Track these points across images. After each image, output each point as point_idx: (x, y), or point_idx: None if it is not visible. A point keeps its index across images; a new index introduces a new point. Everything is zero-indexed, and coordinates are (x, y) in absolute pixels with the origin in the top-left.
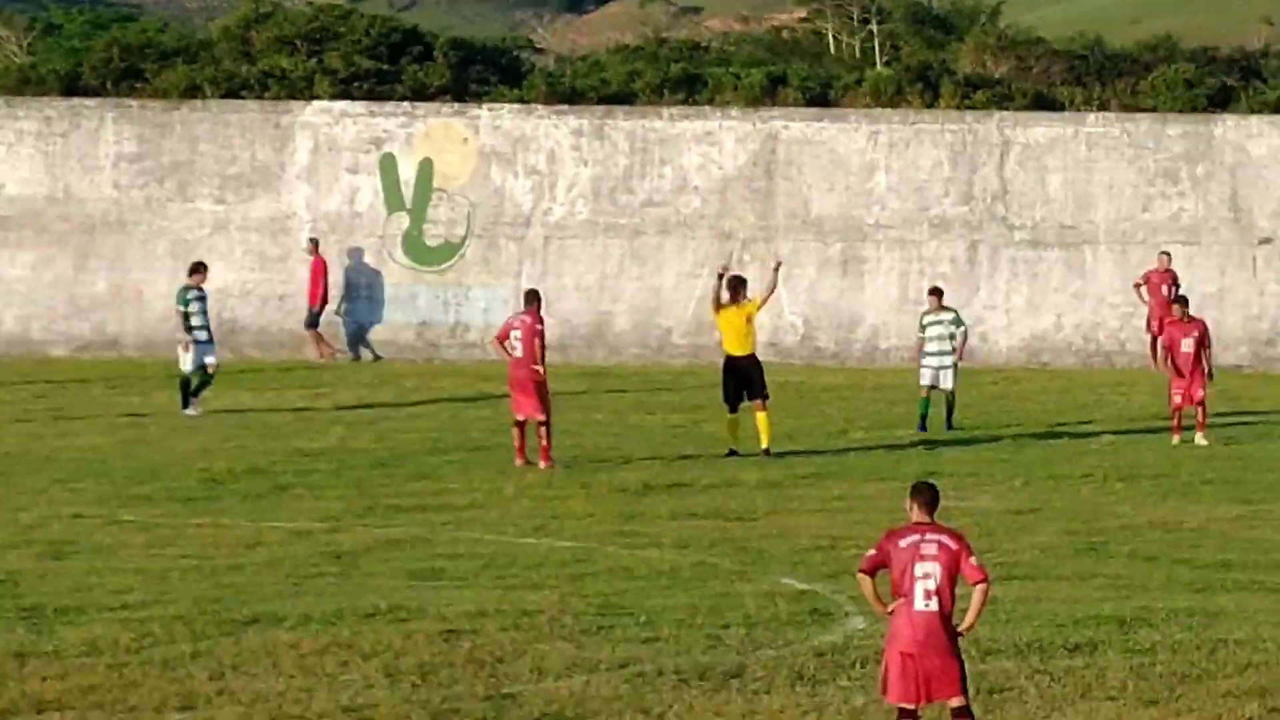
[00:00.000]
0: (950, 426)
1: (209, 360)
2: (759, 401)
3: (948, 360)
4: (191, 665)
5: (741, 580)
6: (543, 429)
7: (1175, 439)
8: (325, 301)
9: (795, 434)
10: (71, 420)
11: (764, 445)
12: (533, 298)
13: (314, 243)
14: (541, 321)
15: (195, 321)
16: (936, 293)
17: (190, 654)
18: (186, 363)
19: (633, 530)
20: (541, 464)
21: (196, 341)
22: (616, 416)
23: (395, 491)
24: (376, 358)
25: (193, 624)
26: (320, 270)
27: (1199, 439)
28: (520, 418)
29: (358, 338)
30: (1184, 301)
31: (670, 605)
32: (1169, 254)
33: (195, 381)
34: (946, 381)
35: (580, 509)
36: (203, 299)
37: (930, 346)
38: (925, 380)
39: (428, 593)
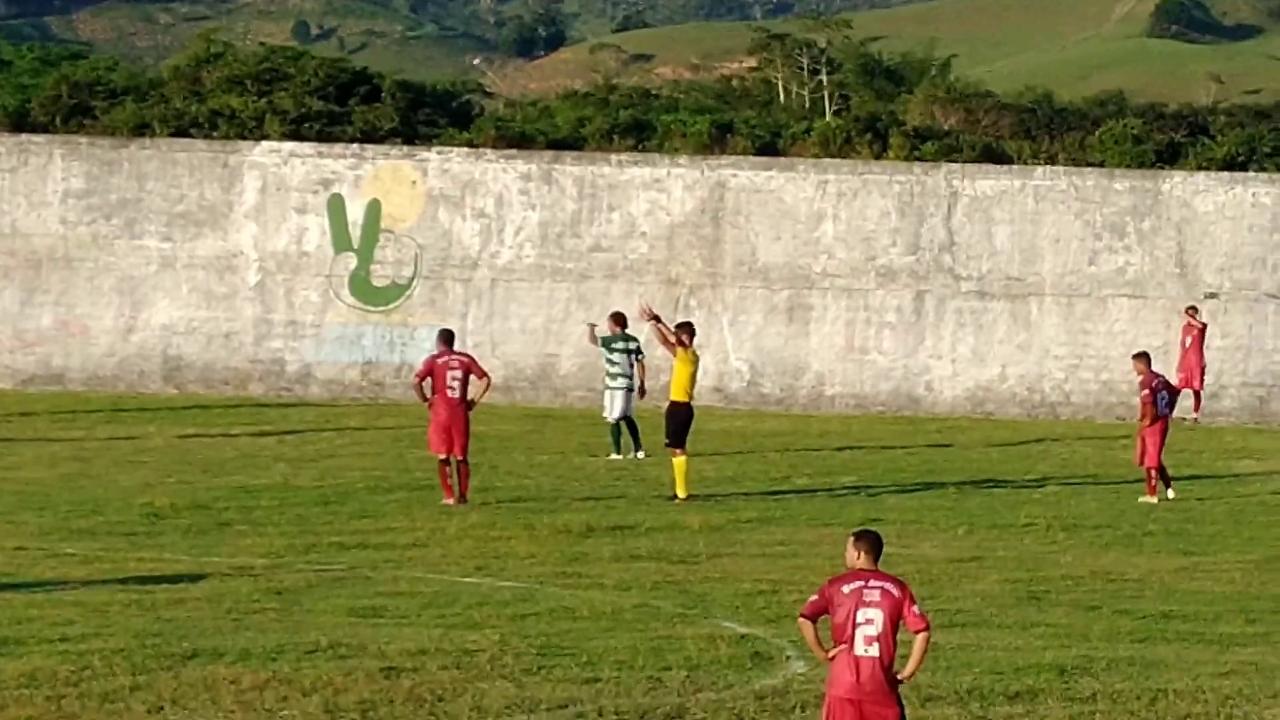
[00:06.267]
0: None
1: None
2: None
3: None
4: (130, 699)
5: (683, 623)
6: (464, 466)
7: (1155, 496)
8: None
9: (739, 479)
10: (15, 454)
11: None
12: (453, 337)
13: None
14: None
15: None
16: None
17: (129, 687)
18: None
19: (575, 571)
20: (458, 501)
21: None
22: (560, 458)
23: (338, 529)
24: None
25: (132, 657)
26: None
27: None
28: (445, 455)
29: None
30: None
31: (611, 646)
32: (1195, 308)
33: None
34: None
35: (523, 549)
36: None
37: None
38: None
39: (368, 630)
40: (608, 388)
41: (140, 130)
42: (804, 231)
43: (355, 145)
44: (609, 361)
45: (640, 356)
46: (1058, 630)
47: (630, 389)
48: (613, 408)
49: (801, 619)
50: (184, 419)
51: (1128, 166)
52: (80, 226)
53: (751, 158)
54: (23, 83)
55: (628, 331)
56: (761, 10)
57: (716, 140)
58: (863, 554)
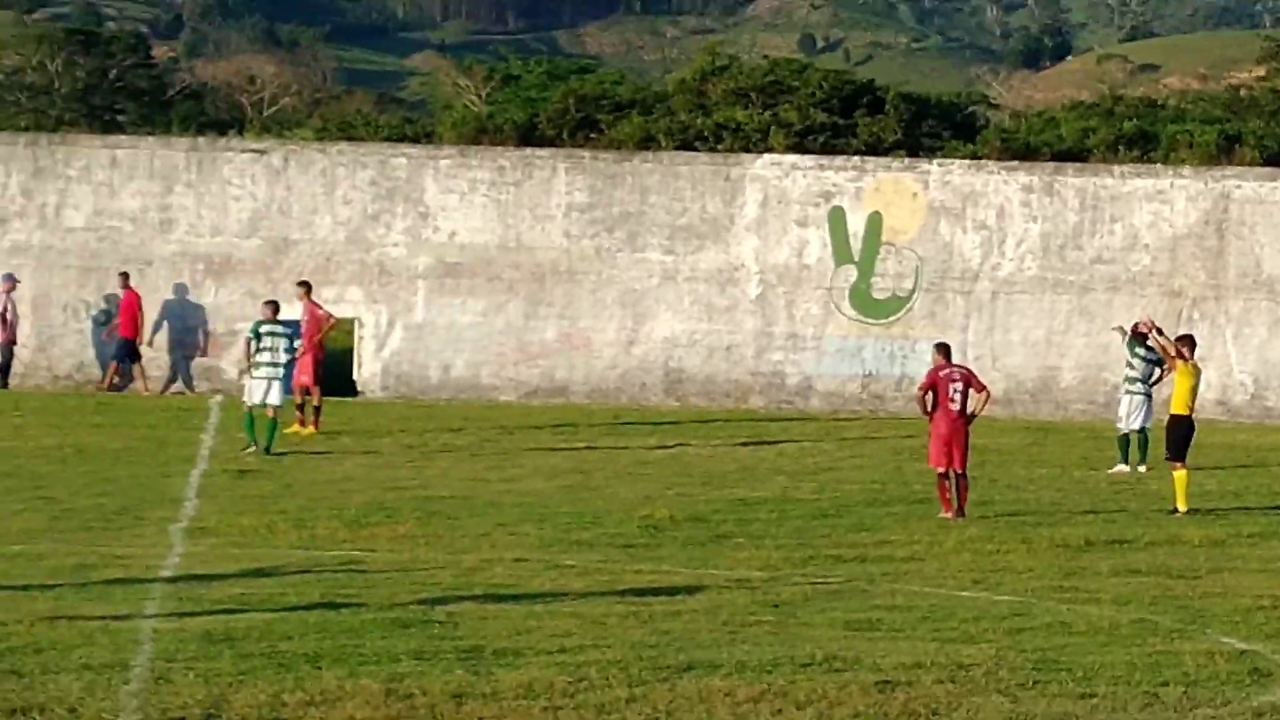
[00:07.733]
0: None
1: None
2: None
3: None
4: (626, 710)
5: (1181, 638)
6: (963, 480)
7: None
8: (138, 335)
9: (1241, 493)
10: (518, 465)
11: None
12: (950, 350)
13: (124, 276)
14: None
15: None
16: None
17: (625, 699)
18: None
19: (1072, 586)
20: (956, 515)
21: None
22: (1060, 472)
23: (835, 542)
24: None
25: (629, 669)
26: (133, 304)
27: None
28: (944, 468)
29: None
30: None
31: (1108, 662)
32: None
33: None
34: None
35: (1020, 563)
36: None
37: None
38: None
39: (864, 643)
40: (1127, 392)
41: (645, 143)
42: None
43: (856, 158)
44: (1129, 365)
45: (1163, 366)
46: None
47: (1149, 396)
48: (1131, 417)
49: None
50: (685, 432)
51: None
52: (583, 240)
53: (1256, 168)
54: (530, 96)
55: (1149, 344)
56: (1271, 19)
57: (1224, 151)
58: None
